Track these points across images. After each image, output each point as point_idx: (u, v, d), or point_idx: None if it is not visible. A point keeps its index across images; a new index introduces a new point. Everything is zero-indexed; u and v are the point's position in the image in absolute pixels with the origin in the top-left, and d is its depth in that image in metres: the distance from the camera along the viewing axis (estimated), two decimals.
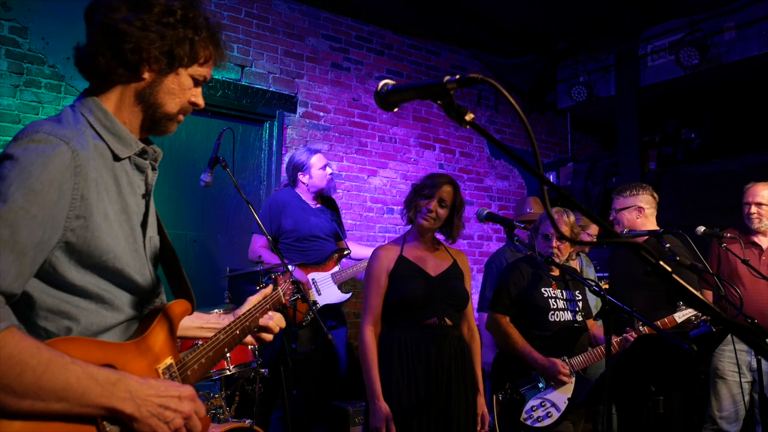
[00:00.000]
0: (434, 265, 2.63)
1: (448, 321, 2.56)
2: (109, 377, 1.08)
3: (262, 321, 1.64)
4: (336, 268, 3.86)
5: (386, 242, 2.75)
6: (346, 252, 3.96)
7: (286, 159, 4.80)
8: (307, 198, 3.93)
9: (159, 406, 1.12)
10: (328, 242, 3.93)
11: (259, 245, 3.80)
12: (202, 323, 1.59)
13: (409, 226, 2.74)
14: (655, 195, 3.53)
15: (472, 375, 2.62)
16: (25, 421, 1.00)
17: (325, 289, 3.77)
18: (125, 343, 1.21)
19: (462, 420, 2.50)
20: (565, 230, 3.02)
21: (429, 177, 2.67)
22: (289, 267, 3.55)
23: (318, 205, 3.98)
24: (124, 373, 1.12)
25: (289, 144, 4.85)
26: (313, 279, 3.73)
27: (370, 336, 2.52)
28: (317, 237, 3.85)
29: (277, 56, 4.88)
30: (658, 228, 3.32)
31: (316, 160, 3.90)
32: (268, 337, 1.68)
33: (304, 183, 3.91)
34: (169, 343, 1.30)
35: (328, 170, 3.95)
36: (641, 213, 3.44)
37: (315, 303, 3.70)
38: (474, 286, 5.89)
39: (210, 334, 1.51)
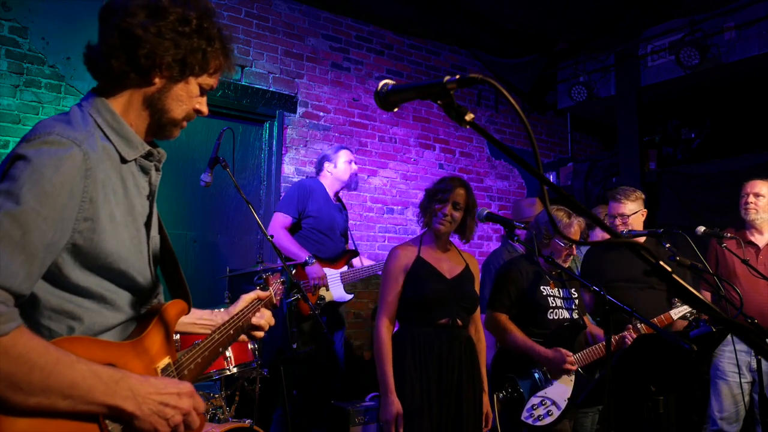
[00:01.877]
0: (449, 267, 2.72)
1: (459, 321, 2.66)
2: (112, 376, 1.10)
3: (255, 320, 1.67)
4: (345, 268, 3.94)
5: (404, 242, 2.84)
6: (356, 253, 4.06)
7: (286, 159, 4.82)
8: (330, 191, 4.06)
9: (159, 404, 1.14)
10: (341, 240, 4.02)
11: (280, 225, 3.84)
12: (194, 319, 1.62)
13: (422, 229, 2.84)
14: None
15: (479, 374, 2.71)
16: (30, 419, 1.02)
17: (333, 286, 3.84)
18: (125, 342, 1.23)
19: (470, 417, 2.59)
20: (576, 232, 3.02)
21: (442, 181, 2.73)
22: (309, 260, 3.63)
23: (337, 203, 4.12)
24: (126, 372, 1.14)
25: (289, 144, 4.86)
26: (325, 274, 3.78)
27: (385, 331, 2.61)
28: (333, 232, 3.95)
29: (277, 56, 4.88)
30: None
31: (344, 154, 4.10)
32: (260, 334, 1.71)
33: (329, 172, 4.06)
34: (166, 344, 1.31)
35: (354, 166, 4.14)
36: (644, 216, 3.51)
37: (323, 298, 3.75)
38: None
39: (202, 330, 1.54)
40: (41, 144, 1.11)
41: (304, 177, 4.76)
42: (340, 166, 4.05)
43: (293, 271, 3.54)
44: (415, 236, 2.86)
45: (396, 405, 2.48)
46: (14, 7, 3.75)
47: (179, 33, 1.24)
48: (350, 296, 3.90)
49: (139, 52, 1.21)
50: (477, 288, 2.81)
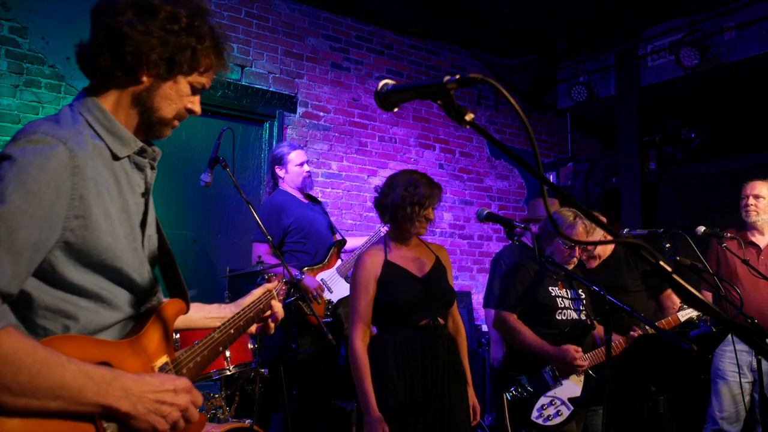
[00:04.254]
0: (419, 265, 2.64)
1: (440, 320, 2.59)
2: (104, 376, 1.09)
3: (273, 303, 1.68)
4: (338, 262, 3.86)
5: (372, 244, 2.74)
6: (343, 242, 3.94)
7: None
8: (295, 193, 3.87)
9: (155, 402, 1.13)
10: (327, 236, 3.90)
11: (263, 252, 3.68)
12: (204, 314, 1.60)
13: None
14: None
15: (463, 369, 2.66)
16: (22, 419, 1.01)
17: (335, 285, 3.77)
18: (122, 341, 1.22)
19: (458, 416, 2.53)
20: (581, 233, 3.01)
21: (419, 185, 2.57)
22: (298, 275, 3.53)
23: (307, 201, 3.95)
24: (119, 371, 1.13)
25: None
26: (322, 279, 3.72)
27: (360, 346, 2.49)
28: (319, 232, 3.83)
29: (277, 56, 4.88)
30: None
31: (295, 156, 3.84)
32: (272, 322, 1.70)
33: (282, 179, 3.86)
34: (164, 343, 1.30)
35: (306, 167, 3.88)
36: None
37: (330, 302, 3.70)
38: (474, 286, 5.90)
39: (217, 323, 1.53)
40: (26, 143, 1.10)
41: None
42: (291, 170, 3.82)
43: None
44: (379, 238, 2.77)
45: (381, 423, 2.36)
46: (14, 7, 3.75)
47: (168, 31, 1.23)
48: None
49: (125, 49, 1.21)
50: (450, 279, 2.73)
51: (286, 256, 3.71)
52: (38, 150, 1.10)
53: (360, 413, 2.48)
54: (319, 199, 4.25)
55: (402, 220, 2.57)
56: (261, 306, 1.66)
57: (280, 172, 3.86)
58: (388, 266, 2.58)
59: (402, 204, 2.55)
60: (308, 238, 3.78)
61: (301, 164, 3.84)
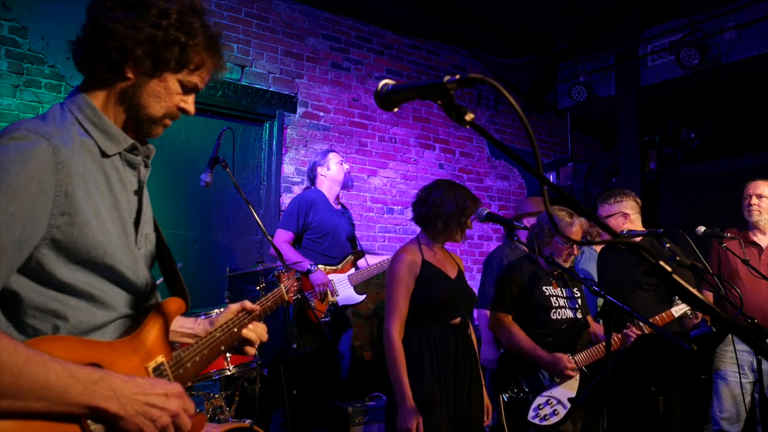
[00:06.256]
0: (450, 268, 2.77)
1: (468, 320, 2.73)
2: (91, 376, 1.06)
3: (245, 332, 1.52)
4: (352, 270, 3.95)
5: (404, 245, 2.79)
6: (362, 254, 4.06)
7: (286, 159, 4.82)
8: (330, 196, 4.04)
9: (145, 404, 1.11)
10: (347, 244, 4.03)
11: (283, 240, 3.85)
12: (175, 327, 1.50)
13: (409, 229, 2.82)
14: (638, 200, 3.61)
15: (479, 369, 2.77)
16: (5, 421, 0.98)
17: (342, 290, 3.85)
18: (115, 342, 1.20)
19: (477, 413, 2.66)
20: (577, 232, 3.02)
21: (467, 198, 2.76)
22: (311, 267, 3.63)
23: (338, 206, 4.11)
24: (107, 372, 1.10)
25: (289, 144, 4.86)
26: (331, 280, 3.79)
27: (398, 339, 2.60)
28: (338, 237, 3.95)
29: (277, 56, 4.88)
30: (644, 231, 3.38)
31: (333, 156, 4.10)
32: (251, 350, 1.55)
33: (323, 176, 4.05)
34: (162, 341, 1.27)
35: (345, 165, 4.15)
36: (627, 219, 3.51)
37: (335, 304, 3.75)
38: (473, 285, 5.89)
39: (181, 339, 1.48)
40: (8, 140, 1.09)
41: (304, 178, 4.73)
42: (333, 168, 4.04)
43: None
44: (411, 238, 2.87)
45: (416, 412, 2.46)
46: (14, 7, 3.75)
47: (155, 26, 1.19)
48: (362, 297, 3.91)
49: (109, 44, 1.18)
50: None
51: (301, 250, 3.85)
52: (20, 147, 1.08)
53: (392, 404, 2.56)
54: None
55: (453, 226, 2.70)
56: (259, 312, 1.56)
57: (322, 170, 4.06)
58: (426, 265, 2.69)
59: (455, 213, 2.69)
60: (326, 240, 3.91)
61: (340, 162, 4.10)
